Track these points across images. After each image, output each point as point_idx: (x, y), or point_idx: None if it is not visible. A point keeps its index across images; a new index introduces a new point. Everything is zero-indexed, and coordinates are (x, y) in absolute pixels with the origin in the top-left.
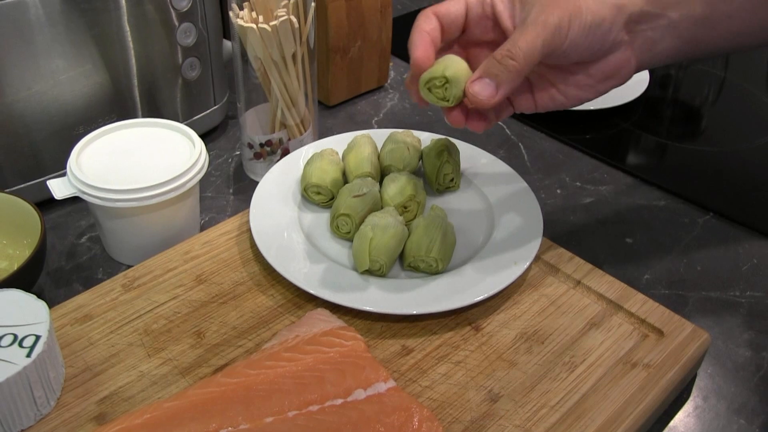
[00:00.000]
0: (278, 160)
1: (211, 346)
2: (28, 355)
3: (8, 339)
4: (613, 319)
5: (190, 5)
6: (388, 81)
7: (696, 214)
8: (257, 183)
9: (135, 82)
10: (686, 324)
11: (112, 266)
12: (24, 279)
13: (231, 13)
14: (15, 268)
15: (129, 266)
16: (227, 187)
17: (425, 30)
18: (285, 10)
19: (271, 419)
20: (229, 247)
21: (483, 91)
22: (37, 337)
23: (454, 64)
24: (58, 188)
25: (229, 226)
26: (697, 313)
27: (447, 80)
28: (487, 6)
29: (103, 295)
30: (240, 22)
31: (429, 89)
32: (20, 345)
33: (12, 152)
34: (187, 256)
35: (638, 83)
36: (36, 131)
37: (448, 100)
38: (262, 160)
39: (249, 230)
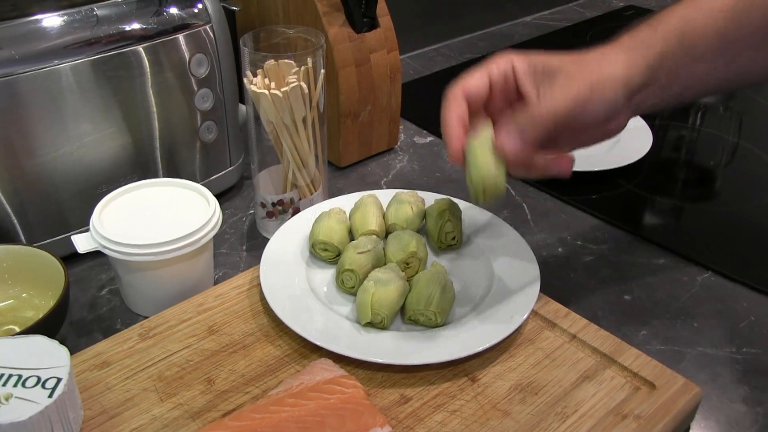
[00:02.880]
0: (289, 219)
1: (221, 392)
2: (50, 396)
3: (32, 380)
4: (606, 372)
5: (207, 72)
6: (398, 143)
7: (695, 272)
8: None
9: (156, 144)
10: (678, 377)
11: (130, 317)
12: (48, 327)
13: (245, 80)
14: (40, 317)
15: (146, 317)
16: (240, 244)
17: (457, 115)
18: (296, 77)
19: None
20: (240, 300)
21: (508, 142)
22: (59, 380)
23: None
24: (81, 243)
25: (241, 280)
26: (693, 369)
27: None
28: (510, 78)
29: (121, 343)
30: (253, 88)
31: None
32: (43, 386)
33: (40, 209)
34: (201, 308)
35: (642, 146)
36: (62, 190)
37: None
38: (274, 218)
39: (260, 284)
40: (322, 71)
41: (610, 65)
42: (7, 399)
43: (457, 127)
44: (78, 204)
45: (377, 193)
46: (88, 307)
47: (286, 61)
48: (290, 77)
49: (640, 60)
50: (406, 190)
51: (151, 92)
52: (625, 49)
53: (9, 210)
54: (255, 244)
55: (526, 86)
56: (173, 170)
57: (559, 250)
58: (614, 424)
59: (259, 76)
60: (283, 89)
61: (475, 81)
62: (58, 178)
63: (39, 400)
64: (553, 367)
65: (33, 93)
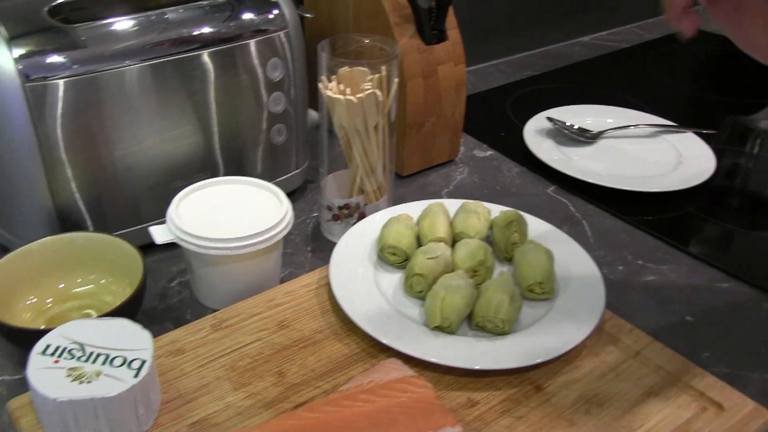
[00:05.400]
0: (354, 223)
1: (292, 385)
2: (136, 376)
3: (119, 360)
4: (672, 390)
5: (282, 76)
6: (459, 155)
7: (761, 298)
8: (333, 243)
9: (227, 143)
10: (747, 401)
11: (199, 309)
12: (127, 313)
13: (320, 85)
14: (121, 302)
15: (214, 310)
16: (305, 246)
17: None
18: (371, 84)
19: None
20: (309, 298)
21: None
22: (143, 361)
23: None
24: (159, 234)
25: (308, 279)
26: (759, 394)
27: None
28: None
29: (194, 333)
30: (329, 93)
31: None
32: (129, 366)
33: (116, 201)
34: (271, 303)
35: (704, 170)
36: (139, 183)
37: None
38: (339, 222)
39: (327, 284)
40: (396, 80)
41: None
42: (97, 375)
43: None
44: (152, 197)
45: (443, 202)
46: (159, 297)
47: (360, 68)
48: (365, 84)
49: None
50: (472, 201)
51: (226, 93)
52: None
53: (79, 200)
54: (319, 246)
55: None
56: (242, 170)
57: (620, 268)
58: None
59: (333, 82)
60: (358, 95)
61: None
62: (135, 170)
63: (126, 378)
64: (618, 381)
65: (114, 90)
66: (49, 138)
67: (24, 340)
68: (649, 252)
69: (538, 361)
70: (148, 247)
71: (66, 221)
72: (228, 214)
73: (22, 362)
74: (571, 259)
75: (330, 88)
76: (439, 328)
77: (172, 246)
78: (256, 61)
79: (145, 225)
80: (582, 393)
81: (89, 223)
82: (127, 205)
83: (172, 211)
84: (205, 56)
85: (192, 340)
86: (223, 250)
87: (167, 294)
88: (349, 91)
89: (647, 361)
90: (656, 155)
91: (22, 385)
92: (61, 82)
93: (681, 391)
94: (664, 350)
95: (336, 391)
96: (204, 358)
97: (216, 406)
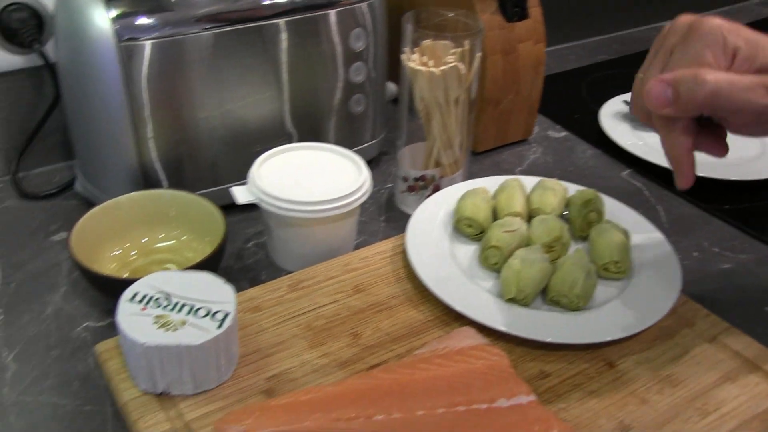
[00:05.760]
0: (428, 195)
1: (367, 347)
2: (219, 327)
3: (203, 312)
4: (749, 377)
5: (364, 47)
6: (533, 135)
7: None
8: (406, 214)
9: (306, 111)
10: None
11: (274, 271)
12: (207, 269)
13: (403, 56)
14: (203, 257)
15: (289, 272)
16: (379, 215)
17: (689, 149)
18: (454, 57)
19: (421, 413)
20: (384, 264)
21: (655, 90)
22: (227, 314)
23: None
24: (241, 195)
25: (383, 246)
26: None
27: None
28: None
29: (271, 292)
30: (412, 64)
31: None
32: (212, 317)
33: (197, 161)
34: (347, 267)
35: None
36: (220, 145)
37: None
38: (414, 193)
39: (402, 252)
40: (479, 55)
41: None
42: (182, 324)
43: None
44: (231, 160)
45: (519, 178)
46: (235, 257)
47: (443, 41)
48: (448, 57)
49: None
50: (549, 178)
51: (307, 62)
52: None
53: (160, 160)
54: (392, 216)
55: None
56: (319, 137)
57: (695, 254)
58: (762, 430)
59: (416, 54)
60: (440, 68)
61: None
62: (217, 132)
63: (210, 329)
64: (693, 364)
65: (197, 54)
66: (136, 97)
67: (111, 288)
68: (725, 240)
69: (613, 338)
70: (224, 209)
71: (147, 179)
72: (308, 178)
73: (106, 310)
74: (647, 241)
75: (413, 60)
76: (514, 300)
77: (249, 208)
78: (338, 31)
79: (221, 187)
80: (655, 373)
81: (167, 182)
82: (205, 166)
83: (254, 172)
84: (288, 25)
85: (269, 298)
86: (303, 213)
87: (243, 254)
88: (432, 63)
89: (724, 346)
90: (737, 142)
91: (107, 332)
92: (149, 43)
93: (760, 380)
94: (741, 337)
95: (411, 355)
96: (281, 317)
97: (293, 362)
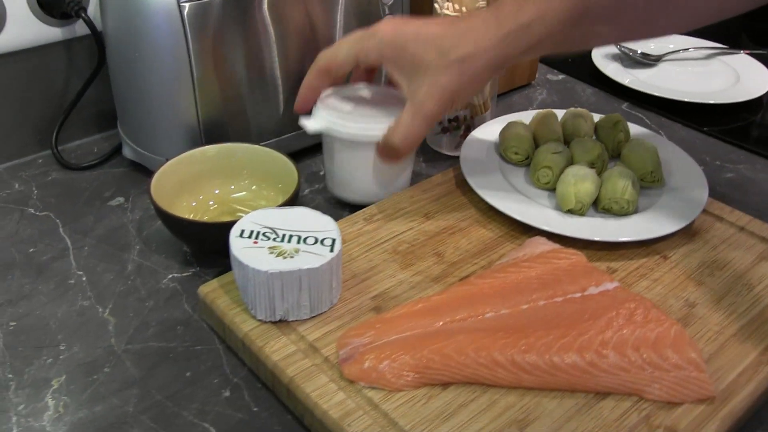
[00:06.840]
0: (462, 135)
1: (451, 263)
2: (331, 251)
3: (311, 240)
4: None
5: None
6: (536, 79)
7: None
8: (440, 154)
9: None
10: None
11: (334, 213)
12: None
13: (436, 5)
14: (284, 199)
15: (351, 204)
16: (417, 156)
17: (313, 87)
18: (484, 3)
19: (526, 306)
20: (444, 193)
21: (384, 156)
22: (334, 239)
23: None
24: (310, 124)
25: (439, 179)
26: None
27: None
28: (378, 64)
29: (350, 225)
30: (445, 11)
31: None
32: (322, 244)
33: (257, 116)
34: (412, 199)
35: (762, 84)
36: (278, 99)
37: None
38: (448, 134)
39: (455, 184)
40: None
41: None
42: (296, 252)
43: (309, 94)
44: (288, 112)
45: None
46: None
47: None
48: (480, 2)
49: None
50: (577, 108)
51: (342, 16)
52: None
53: (217, 116)
54: (428, 157)
55: (396, 77)
56: None
57: (701, 167)
58: None
59: (449, 2)
60: None
61: (342, 59)
62: (272, 90)
63: (323, 253)
64: (731, 250)
65: (258, 11)
66: (198, 56)
67: (201, 234)
68: (725, 154)
69: (668, 232)
70: None
71: (210, 136)
72: (369, 110)
73: (185, 261)
74: (670, 154)
75: (446, 8)
76: (572, 211)
77: (303, 155)
78: None
79: (281, 137)
80: (702, 260)
81: (230, 137)
82: (267, 119)
83: (320, 103)
84: None
85: (350, 231)
86: (372, 134)
87: (302, 203)
88: (465, 11)
89: (752, 234)
90: (715, 74)
91: (193, 280)
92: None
93: None
94: (765, 225)
95: (495, 264)
96: (366, 246)
97: (390, 282)
